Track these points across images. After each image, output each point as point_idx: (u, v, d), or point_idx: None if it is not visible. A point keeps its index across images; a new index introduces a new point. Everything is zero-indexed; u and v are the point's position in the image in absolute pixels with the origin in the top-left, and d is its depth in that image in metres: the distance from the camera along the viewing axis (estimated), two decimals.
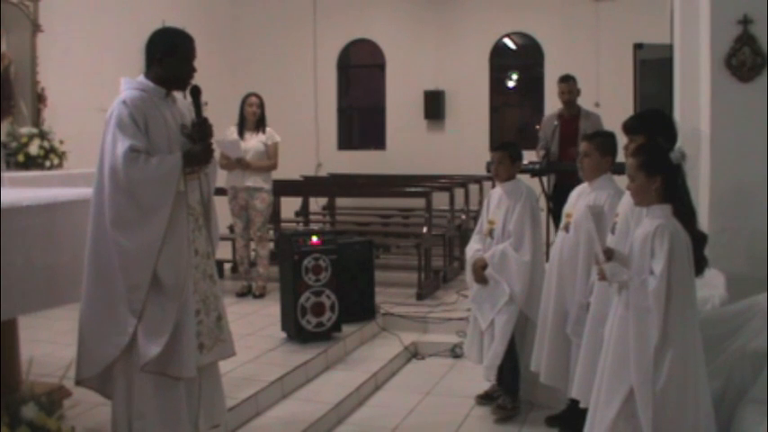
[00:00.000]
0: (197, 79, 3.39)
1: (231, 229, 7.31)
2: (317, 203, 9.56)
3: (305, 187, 9.04)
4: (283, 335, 5.50)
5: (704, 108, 4.77)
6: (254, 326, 5.80)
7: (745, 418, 3.27)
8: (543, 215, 5.56)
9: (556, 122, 6.83)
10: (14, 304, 3.15)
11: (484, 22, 10.12)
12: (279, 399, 4.57)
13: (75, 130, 7.01)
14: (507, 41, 10.38)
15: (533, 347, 4.28)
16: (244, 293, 6.90)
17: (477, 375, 4.80)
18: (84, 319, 3.23)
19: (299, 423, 4.21)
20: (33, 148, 6.73)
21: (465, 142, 10.12)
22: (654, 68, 6.37)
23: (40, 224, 3.26)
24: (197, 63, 3.37)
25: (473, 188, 8.92)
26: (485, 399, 4.75)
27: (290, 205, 8.54)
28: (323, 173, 10.58)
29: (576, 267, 3.92)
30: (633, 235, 3.16)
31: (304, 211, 8.69)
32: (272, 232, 7.51)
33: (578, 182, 4.20)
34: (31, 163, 6.73)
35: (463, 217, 8.44)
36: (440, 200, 8.01)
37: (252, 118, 6.76)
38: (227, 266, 7.78)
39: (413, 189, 7.97)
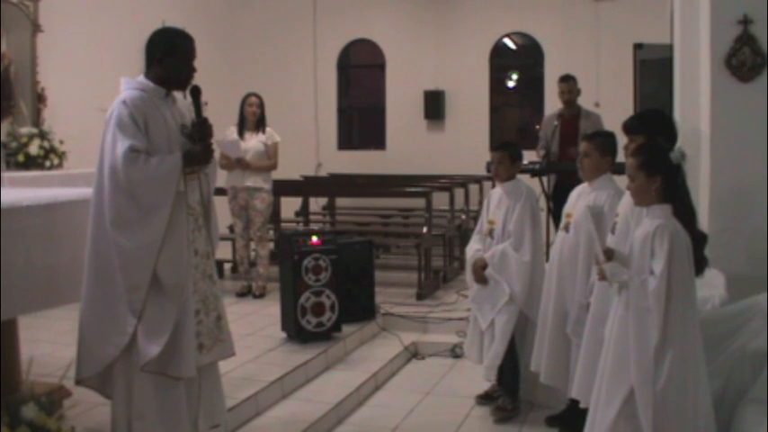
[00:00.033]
0: (197, 79, 3.39)
1: (231, 229, 7.31)
2: (317, 203, 9.56)
3: (305, 187, 9.04)
4: (283, 335, 5.50)
5: (704, 108, 4.77)
6: (254, 326, 5.80)
7: (745, 418, 3.27)
8: (543, 215, 5.56)
9: (556, 122, 6.83)
10: (14, 304, 3.14)
11: (484, 22, 10.12)
12: (279, 399, 4.57)
13: (75, 130, 7.01)
14: (507, 41, 10.38)
15: (533, 347, 4.28)
16: (244, 293, 6.90)
17: (477, 375, 4.80)
18: (85, 319, 3.23)
19: (299, 423, 4.21)
20: (33, 148, 6.73)
21: (465, 142, 10.12)
22: (654, 68, 6.37)
23: (40, 224, 3.26)
24: (197, 63, 3.37)
25: (473, 188, 8.92)
26: (485, 399, 4.75)
27: (290, 205, 8.54)
28: (323, 173, 10.58)
29: (575, 267, 3.92)
30: (633, 235, 3.16)
31: (304, 211, 8.69)
32: (272, 232, 7.51)
33: (579, 182, 4.20)
34: (31, 163, 6.73)
35: (463, 217, 8.44)
36: (440, 200, 8.01)
37: (252, 118, 6.76)
38: (227, 266, 7.79)
39: (413, 189, 7.96)
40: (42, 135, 6.87)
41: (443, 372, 5.41)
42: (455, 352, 5.65)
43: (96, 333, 3.19)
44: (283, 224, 8.17)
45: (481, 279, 4.54)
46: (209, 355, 3.37)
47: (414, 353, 5.77)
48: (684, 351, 2.93)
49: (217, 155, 3.59)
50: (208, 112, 3.41)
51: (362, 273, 5.98)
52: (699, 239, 3.19)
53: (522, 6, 9.97)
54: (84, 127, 6.56)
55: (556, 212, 6.23)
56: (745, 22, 4.51)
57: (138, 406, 3.17)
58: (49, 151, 6.84)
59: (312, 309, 5.35)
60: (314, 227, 8.57)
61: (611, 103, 8.19)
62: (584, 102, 7.18)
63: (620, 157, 3.82)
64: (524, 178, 4.95)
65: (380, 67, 10.73)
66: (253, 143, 6.70)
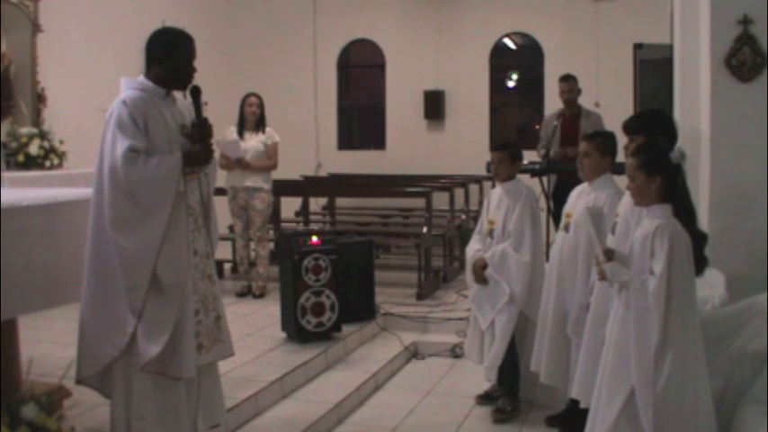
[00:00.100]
0: (197, 79, 3.39)
1: (231, 229, 7.31)
2: (317, 203, 9.56)
3: (305, 187, 9.03)
4: (283, 335, 5.50)
5: (704, 108, 4.77)
6: (254, 326, 5.80)
7: (746, 418, 3.27)
8: (543, 215, 5.55)
9: (556, 122, 6.83)
10: (14, 304, 3.14)
11: (484, 22, 10.12)
12: (279, 399, 4.57)
13: (75, 130, 7.01)
14: (507, 41, 10.38)
15: (533, 347, 4.28)
16: (244, 293, 6.89)
17: (477, 375, 4.80)
18: (85, 319, 3.23)
19: (299, 423, 4.21)
20: (33, 148, 6.72)
21: (465, 142, 10.12)
22: (654, 68, 6.37)
23: (40, 224, 3.26)
24: (197, 63, 3.37)
25: (473, 188, 8.92)
26: (485, 399, 4.75)
27: (290, 205, 8.54)
28: (323, 173, 10.58)
29: (575, 267, 3.92)
30: (633, 235, 3.16)
31: (304, 211, 8.68)
32: (272, 232, 7.51)
33: (579, 182, 4.20)
34: (31, 163, 6.73)
35: (463, 217, 8.44)
36: (440, 200, 8.01)
37: (252, 118, 6.76)
38: (227, 266, 7.79)
39: (413, 189, 7.97)
40: (42, 135, 6.86)
41: (443, 372, 5.41)
42: (455, 352, 5.65)
43: (96, 333, 3.19)
44: (283, 224, 8.17)
45: (481, 279, 4.54)
46: (208, 355, 3.36)
47: (414, 353, 5.77)
48: (685, 351, 2.93)
49: (217, 155, 3.59)
50: (208, 112, 3.41)
51: (362, 273, 5.98)
52: (699, 239, 3.19)
53: (522, 6, 9.97)
54: (84, 127, 6.57)
55: (556, 212, 6.23)
56: (745, 22, 4.51)
57: (137, 406, 3.17)
58: (49, 151, 6.83)
59: (312, 309, 5.35)
60: (314, 227, 8.56)
61: (611, 103, 8.18)
62: (584, 102, 7.19)
63: (620, 157, 3.82)
64: (524, 178, 4.95)
65: (380, 67, 10.72)
66: (252, 143, 6.70)
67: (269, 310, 6.11)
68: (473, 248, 4.70)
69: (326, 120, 10.90)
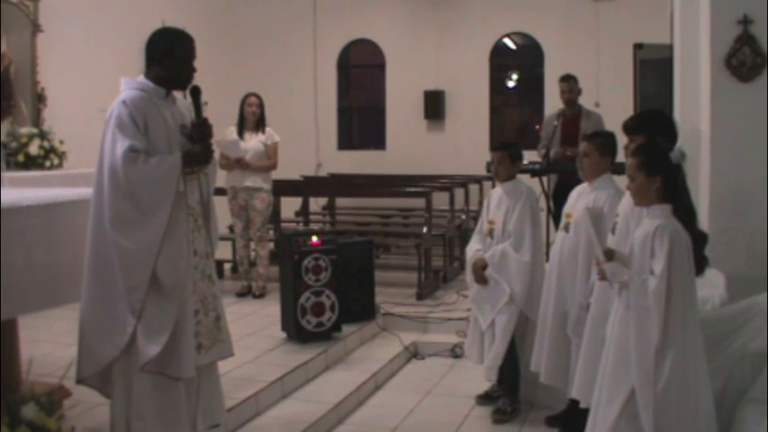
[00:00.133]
0: (197, 79, 3.39)
1: (231, 229, 7.31)
2: (317, 203, 9.56)
3: (305, 187, 9.03)
4: (283, 335, 5.50)
5: (704, 108, 4.77)
6: (254, 326, 5.80)
7: (746, 418, 3.27)
8: (543, 215, 5.55)
9: (556, 122, 6.83)
10: (14, 304, 3.14)
11: (484, 22, 10.12)
12: (279, 399, 4.57)
13: (75, 130, 7.01)
14: (507, 41, 10.38)
15: (533, 347, 4.28)
16: (244, 293, 6.89)
17: (477, 375, 4.80)
18: (85, 319, 3.23)
19: (299, 423, 4.21)
20: (33, 148, 6.72)
21: (465, 142, 10.12)
22: (654, 68, 6.38)
23: (40, 224, 3.26)
24: (197, 63, 3.37)
25: (473, 188, 8.92)
26: (485, 399, 4.75)
27: (290, 205, 8.54)
28: (323, 173, 10.58)
29: (575, 267, 3.92)
30: (633, 235, 3.16)
31: (304, 211, 8.68)
32: (272, 232, 7.51)
33: (580, 182, 4.20)
34: (31, 163, 6.73)
35: (463, 217, 8.44)
36: (440, 200, 8.01)
37: (251, 118, 6.76)
38: (227, 266, 7.79)
39: (413, 189, 7.96)
40: (42, 135, 6.86)
41: (443, 372, 5.41)
42: (455, 352, 5.65)
43: (96, 333, 3.19)
44: (283, 224, 8.17)
45: (481, 279, 4.54)
46: (207, 355, 3.36)
47: (414, 353, 5.77)
48: (685, 351, 2.93)
49: (216, 155, 3.59)
50: (208, 112, 3.41)
51: (362, 273, 5.97)
52: (699, 239, 3.19)
53: (522, 6, 9.97)
54: (84, 127, 6.58)
55: (556, 212, 6.23)
56: (745, 22, 4.51)
57: (137, 406, 3.17)
58: (49, 151, 6.84)
59: (312, 309, 5.35)
60: (314, 227, 8.57)
61: (611, 103, 8.19)
62: (585, 102, 7.19)
63: (620, 157, 3.82)
64: (524, 178, 4.95)
65: (380, 67, 10.72)
66: (252, 143, 6.70)
67: (269, 310, 6.11)
68: (473, 248, 4.70)
69: (326, 120, 10.90)
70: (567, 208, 4.17)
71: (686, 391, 2.93)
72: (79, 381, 3.29)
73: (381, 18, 10.61)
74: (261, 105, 6.78)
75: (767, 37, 4.49)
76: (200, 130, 3.30)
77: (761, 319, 3.66)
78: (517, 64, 10.61)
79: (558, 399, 4.32)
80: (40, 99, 7.20)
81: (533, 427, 4.42)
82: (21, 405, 2.92)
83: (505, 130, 10.56)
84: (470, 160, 9.23)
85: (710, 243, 3.36)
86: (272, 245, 7.42)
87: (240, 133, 6.74)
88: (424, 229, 7.16)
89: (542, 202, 6.01)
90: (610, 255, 3.13)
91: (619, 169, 3.77)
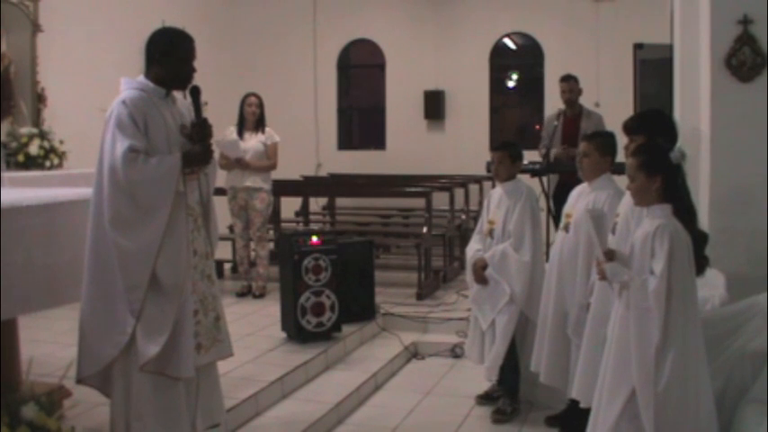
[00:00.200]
0: (197, 79, 3.39)
1: (231, 229, 7.32)
2: (317, 203, 9.56)
3: (305, 187, 9.03)
4: (283, 335, 5.50)
5: (704, 108, 4.77)
6: (254, 326, 5.80)
7: (746, 418, 3.27)
8: (543, 215, 5.55)
9: (556, 122, 6.83)
10: (14, 304, 3.15)
11: (484, 22, 10.13)
12: (279, 399, 4.57)
13: (75, 130, 7.01)
14: (507, 41, 10.39)
15: (533, 347, 4.28)
16: (244, 293, 6.89)
17: (477, 375, 4.80)
18: (85, 318, 3.23)
19: (299, 423, 4.21)
20: (33, 148, 6.72)
21: (465, 142, 10.12)
22: (654, 68, 6.38)
23: (40, 224, 3.26)
24: (197, 63, 3.37)
25: (473, 188, 8.92)
26: (485, 399, 4.75)
27: (290, 205, 8.54)
28: (323, 173, 10.58)
29: (575, 267, 3.92)
30: (633, 235, 3.16)
31: (304, 211, 8.68)
32: (271, 232, 7.51)
33: (581, 182, 4.20)
34: (31, 163, 6.73)
35: (463, 217, 8.44)
36: (440, 200, 8.01)
37: (251, 118, 6.76)
38: (227, 266, 7.79)
39: (413, 189, 7.97)
40: (42, 135, 6.86)
41: (443, 372, 5.41)
42: (455, 352, 5.65)
43: (96, 332, 3.19)
44: (283, 224, 8.17)
45: (481, 279, 4.54)
46: (207, 355, 3.36)
47: (414, 353, 5.77)
48: (686, 351, 2.93)
49: (216, 155, 3.59)
50: (207, 112, 3.41)
51: (362, 273, 5.97)
52: (699, 239, 3.20)
53: (522, 6, 9.97)
54: (84, 127, 6.56)
55: (557, 212, 6.23)
56: (745, 22, 4.51)
57: (136, 406, 3.16)
58: (49, 151, 6.84)
59: (312, 309, 5.35)
60: (314, 227, 8.57)
61: (611, 103, 8.19)
62: (585, 102, 7.18)
63: (621, 157, 3.82)
64: (524, 178, 4.95)
65: (380, 67, 10.73)
66: (252, 143, 6.70)
67: (269, 310, 6.11)
68: (473, 248, 4.70)
69: (326, 120, 10.90)
70: (566, 208, 4.17)
71: (687, 391, 2.93)
72: (79, 381, 3.29)
73: (381, 18, 10.61)
74: (261, 105, 6.78)
75: (767, 37, 4.49)
76: (200, 130, 3.30)
77: (761, 319, 3.66)
78: (517, 64, 10.61)
79: (558, 399, 4.32)
80: (40, 99, 7.19)
81: (533, 427, 4.42)
82: (21, 405, 2.92)
83: (505, 130, 10.56)
84: (470, 160, 9.22)
85: (710, 243, 3.37)
86: (271, 245, 7.42)
87: (240, 133, 6.74)
88: (424, 229, 7.16)
89: (542, 202, 6.02)
90: (610, 255, 3.13)
91: (619, 169, 3.77)
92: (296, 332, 5.34)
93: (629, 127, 3.61)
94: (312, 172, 10.44)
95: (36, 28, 7.15)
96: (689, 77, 5.03)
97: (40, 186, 4.96)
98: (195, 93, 3.34)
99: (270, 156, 6.75)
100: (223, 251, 6.96)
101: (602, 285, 3.37)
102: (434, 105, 10.30)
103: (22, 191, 3.99)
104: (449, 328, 5.96)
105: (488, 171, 5.09)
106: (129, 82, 3.28)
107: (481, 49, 10.23)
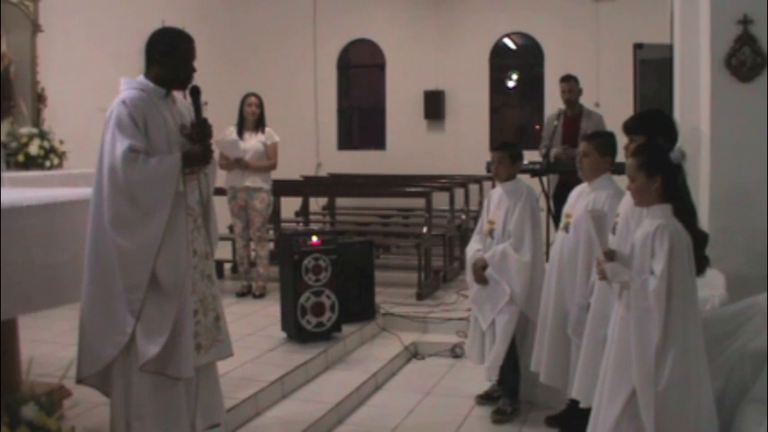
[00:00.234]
0: (197, 79, 3.39)
1: (231, 229, 7.32)
2: (317, 203, 9.56)
3: (305, 187, 9.03)
4: (283, 335, 5.50)
5: (704, 108, 4.77)
6: (254, 326, 5.80)
7: (746, 418, 3.27)
8: (543, 215, 5.55)
9: (556, 122, 6.83)
10: (14, 304, 3.14)
11: (484, 22, 10.13)
12: (279, 399, 4.57)
13: (75, 130, 7.02)
14: (507, 41, 10.39)
15: (533, 347, 4.28)
16: (244, 293, 6.89)
17: (478, 375, 4.80)
18: (85, 318, 3.23)
19: (299, 423, 4.21)
20: (33, 148, 6.73)
21: (465, 142, 10.12)
22: (654, 68, 6.38)
23: (39, 224, 3.26)
24: (197, 63, 3.37)
25: (473, 188, 8.92)
26: (485, 399, 4.75)
27: (290, 205, 8.54)
28: (323, 173, 10.58)
29: (575, 267, 3.92)
30: (634, 235, 3.16)
31: (304, 211, 8.69)
32: (271, 232, 7.51)
33: (581, 182, 4.19)
34: (31, 163, 6.73)
35: (463, 217, 8.45)
36: (440, 200, 8.01)
37: (251, 118, 6.76)
38: (227, 266, 7.79)
39: (413, 189, 7.97)
40: (42, 135, 6.87)
41: (443, 372, 5.41)
42: (455, 352, 5.65)
43: (96, 332, 3.19)
44: (283, 224, 8.17)
45: (481, 279, 4.54)
46: (206, 355, 3.36)
47: (414, 353, 5.77)
48: (686, 351, 2.93)
49: (216, 155, 3.59)
50: (207, 112, 3.41)
51: (362, 273, 5.97)
52: (700, 239, 3.19)
53: (522, 6, 9.98)
54: (84, 127, 6.58)
55: (557, 212, 6.23)
56: (745, 22, 4.51)
57: (136, 406, 3.16)
58: (49, 151, 6.84)
59: (312, 309, 5.35)
60: (314, 227, 8.57)
61: (611, 103, 8.19)
62: (585, 102, 7.19)
63: (620, 157, 3.82)
64: (524, 178, 4.95)
65: (380, 67, 10.73)
66: (252, 143, 6.70)
67: (269, 310, 6.11)
68: (473, 248, 4.70)
69: (326, 120, 10.91)
70: (566, 208, 4.17)
71: (687, 391, 2.93)
72: (79, 381, 3.29)
73: (381, 18, 10.61)
74: (261, 105, 6.78)
75: (767, 37, 4.49)
76: (200, 130, 3.30)
77: (761, 319, 3.66)
78: (517, 64, 10.61)
79: (558, 399, 4.32)
80: (40, 99, 7.19)
81: (533, 427, 4.42)
82: (21, 405, 2.92)
83: (505, 131, 10.57)
84: (470, 160, 9.23)
85: (710, 243, 3.36)
86: (271, 245, 7.42)
87: (240, 133, 6.74)
88: (424, 229, 7.16)
89: (542, 202, 6.02)
90: (610, 255, 3.13)
91: (619, 169, 3.77)
92: (296, 332, 5.34)
93: (630, 127, 3.61)
94: (312, 172, 10.45)
95: (36, 28, 7.15)
96: (689, 77, 5.03)
97: (40, 186, 4.96)
98: (195, 93, 3.34)
99: (270, 156, 6.75)
100: (223, 251, 6.95)
101: (602, 285, 3.36)
102: (434, 105, 10.30)
103: (22, 191, 3.99)
104: (449, 328, 5.96)
105: (488, 171, 5.09)
106: (129, 82, 3.28)
107: (481, 49, 10.23)
